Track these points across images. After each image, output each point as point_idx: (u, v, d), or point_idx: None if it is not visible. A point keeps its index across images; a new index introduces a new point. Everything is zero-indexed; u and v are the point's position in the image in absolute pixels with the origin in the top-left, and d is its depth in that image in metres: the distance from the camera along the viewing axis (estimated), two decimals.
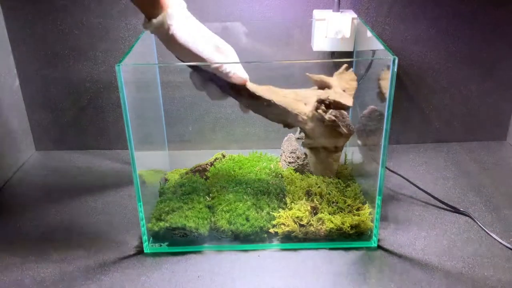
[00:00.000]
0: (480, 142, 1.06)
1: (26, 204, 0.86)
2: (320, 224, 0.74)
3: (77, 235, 0.77)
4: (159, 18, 0.64)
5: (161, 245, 0.74)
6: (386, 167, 0.86)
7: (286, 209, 0.76)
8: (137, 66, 0.72)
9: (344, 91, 0.76)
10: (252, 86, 0.71)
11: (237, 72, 0.68)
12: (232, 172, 0.83)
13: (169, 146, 0.94)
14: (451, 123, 1.04)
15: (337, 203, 0.76)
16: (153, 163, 0.87)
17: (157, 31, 0.65)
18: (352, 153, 0.91)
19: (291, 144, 0.87)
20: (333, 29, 0.87)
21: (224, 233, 0.74)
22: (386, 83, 0.66)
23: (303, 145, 0.81)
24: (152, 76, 0.86)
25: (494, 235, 0.75)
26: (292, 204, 0.76)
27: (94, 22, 0.94)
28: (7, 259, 0.72)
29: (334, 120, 0.75)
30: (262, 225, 0.74)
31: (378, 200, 0.71)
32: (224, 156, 0.90)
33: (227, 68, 0.67)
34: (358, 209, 0.76)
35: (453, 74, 1.00)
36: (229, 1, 0.93)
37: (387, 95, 0.65)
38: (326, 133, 0.77)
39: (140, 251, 0.74)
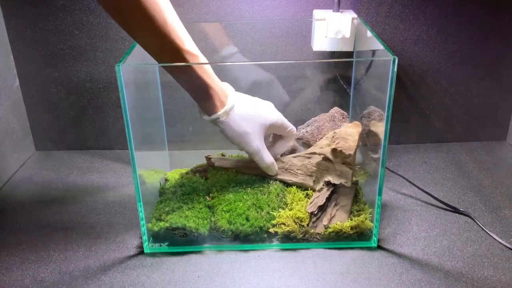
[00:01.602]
0: (480, 142, 1.06)
1: (26, 204, 0.86)
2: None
3: (77, 235, 0.77)
4: (213, 116, 0.71)
5: (161, 245, 0.74)
6: (386, 167, 0.86)
7: (286, 209, 0.76)
8: (137, 66, 0.72)
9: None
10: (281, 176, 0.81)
11: (270, 167, 0.79)
12: (232, 172, 0.83)
13: (169, 146, 0.94)
14: (451, 123, 1.04)
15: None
16: (153, 163, 0.87)
17: (213, 124, 0.73)
18: None
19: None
20: (333, 29, 0.87)
21: (224, 233, 0.74)
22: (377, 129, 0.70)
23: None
24: (152, 76, 0.85)
25: (494, 235, 0.75)
26: (293, 204, 0.77)
27: (94, 22, 0.94)
28: (7, 259, 0.72)
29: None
30: (262, 225, 0.74)
31: (378, 200, 0.71)
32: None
33: (260, 162, 0.78)
34: (358, 209, 0.76)
35: (453, 74, 1.00)
36: (229, 1, 0.93)
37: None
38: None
39: (140, 251, 0.74)
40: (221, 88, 0.71)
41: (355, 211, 0.76)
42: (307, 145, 0.85)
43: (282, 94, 0.89)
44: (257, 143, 0.75)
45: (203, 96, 0.71)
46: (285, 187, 0.80)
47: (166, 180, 0.88)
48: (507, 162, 0.98)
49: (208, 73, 0.69)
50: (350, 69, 0.95)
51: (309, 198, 0.78)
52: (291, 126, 0.81)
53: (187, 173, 0.85)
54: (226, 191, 0.78)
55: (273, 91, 0.88)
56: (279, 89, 0.89)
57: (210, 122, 0.73)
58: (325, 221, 0.73)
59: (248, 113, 0.74)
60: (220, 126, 0.73)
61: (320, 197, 0.75)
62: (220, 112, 0.71)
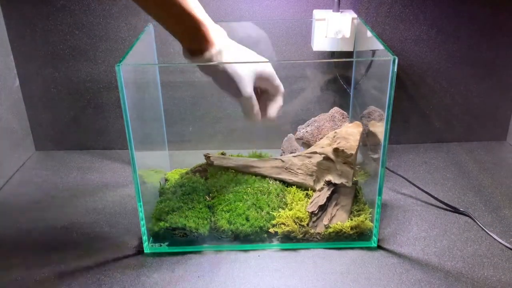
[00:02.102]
0: (480, 142, 1.06)
1: (26, 204, 0.86)
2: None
3: (77, 235, 0.77)
4: (206, 55, 0.64)
5: (161, 245, 0.74)
6: (386, 167, 0.86)
7: (286, 209, 0.76)
8: (137, 66, 0.72)
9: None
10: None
11: (256, 115, 0.72)
12: (232, 172, 0.83)
13: (169, 146, 0.94)
14: (451, 123, 1.05)
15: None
16: (153, 163, 0.87)
17: (202, 69, 0.66)
18: None
19: (291, 145, 0.87)
20: (333, 29, 0.87)
21: (224, 233, 0.74)
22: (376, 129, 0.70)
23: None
24: (152, 76, 0.85)
25: (494, 235, 0.75)
26: (293, 204, 0.76)
27: (94, 22, 0.94)
28: (7, 259, 0.72)
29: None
30: (262, 225, 0.74)
31: (378, 200, 0.71)
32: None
33: (250, 108, 0.70)
34: (358, 209, 0.76)
35: (453, 74, 1.00)
36: (229, 1, 0.93)
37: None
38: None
39: (140, 251, 0.74)
40: (214, 25, 0.65)
41: (355, 211, 0.76)
42: (307, 145, 0.85)
43: (271, 52, 0.85)
44: (251, 88, 0.69)
45: (193, 32, 0.63)
46: (285, 187, 0.80)
47: (166, 180, 0.88)
48: (507, 162, 0.98)
49: (200, 8, 0.63)
50: (350, 69, 0.95)
51: (309, 198, 0.78)
52: (279, 81, 0.73)
53: (187, 173, 0.85)
54: (226, 191, 0.78)
55: (264, 48, 0.84)
56: (269, 47, 0.85)
57: (198, 68, 0.67)
58: (325, 220, 0.73)
59: (242, 55, 0.69)
60: (212, 68, 0.66)
61: (320, 197, 0.75)
62: (213, 51, 0.64)
